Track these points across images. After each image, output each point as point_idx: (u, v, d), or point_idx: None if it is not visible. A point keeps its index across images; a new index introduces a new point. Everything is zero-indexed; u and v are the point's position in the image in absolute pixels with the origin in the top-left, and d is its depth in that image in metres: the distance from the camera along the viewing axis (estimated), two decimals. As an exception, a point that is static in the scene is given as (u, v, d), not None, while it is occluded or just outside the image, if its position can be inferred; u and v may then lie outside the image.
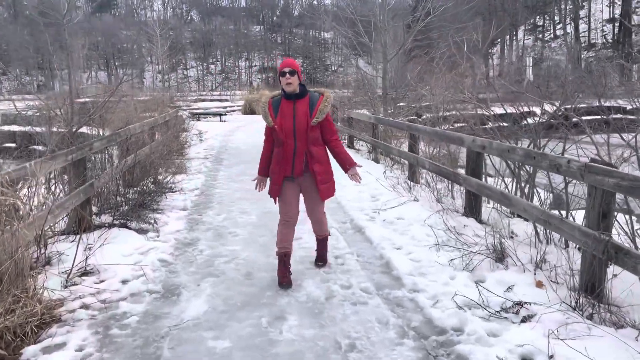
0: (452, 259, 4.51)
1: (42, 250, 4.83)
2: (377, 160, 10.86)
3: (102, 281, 4.41)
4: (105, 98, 7.57)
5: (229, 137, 16.48)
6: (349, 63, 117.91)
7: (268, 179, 4.69)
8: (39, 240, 4.79)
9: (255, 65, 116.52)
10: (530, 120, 8.11)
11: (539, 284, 3.92)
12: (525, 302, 3.54)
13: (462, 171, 6.98)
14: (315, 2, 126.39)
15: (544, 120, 6.49)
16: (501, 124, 12.93)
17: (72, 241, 5.20)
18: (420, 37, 12.90)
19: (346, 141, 13.37)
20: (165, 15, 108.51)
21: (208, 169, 10.22)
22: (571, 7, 75.33)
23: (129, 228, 5.97)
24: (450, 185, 7.31)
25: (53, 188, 6.42)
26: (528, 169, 6.33)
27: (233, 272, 4.58)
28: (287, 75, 4.21)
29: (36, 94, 12.87)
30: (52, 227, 5.56)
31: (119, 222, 6.13)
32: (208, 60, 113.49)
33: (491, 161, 6.76)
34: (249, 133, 17.76)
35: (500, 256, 4.47)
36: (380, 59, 12.60)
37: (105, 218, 6.28)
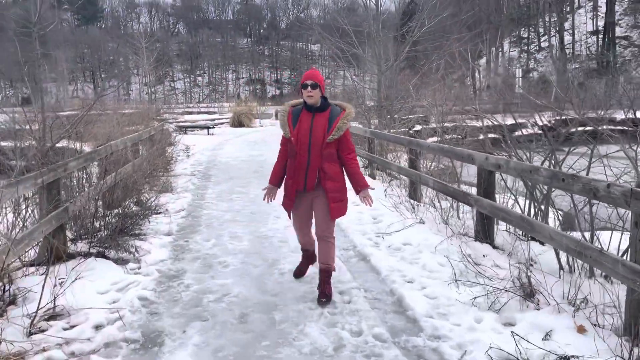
0: (474, 297, 3.95)
1: (7, 287, 4.24)
2: (373, 176, 10.34)
3: (72, 326, 3.80)
4: (83, 112, 6.96)
5: (217, 151, 15.88)
6: (336, 75, 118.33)
7: (279, 189, 4.54)
8: (2, 277, 4.19)
9: (243, 77, 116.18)
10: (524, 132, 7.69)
11: (581, 329, 3.38)
12: (573, 357, 3.00)
13: (472, 190, 6.46)
14: (302, 15, 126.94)
15: (563, 131, 5.98)
16: (494, 135, 12.50)
17: (43, 273, 4.60)
18: (411, 49, 12.47)
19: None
20: (152, 28, 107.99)
21: (195, 187, 9.62)
22: (555, 19, 76.01)
23: (107, 258, 5.37)
24: (456, 204, 6.80)
25: (24, 212, 5.81)
26: (541, 187, 5.84)
27: (224, 313, 3.98)
28: (309, 88, 4.06)
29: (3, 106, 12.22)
30: (22, 257, 4.96)
31: (96, 251, 5.52)
32: (195, 73, 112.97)
33: (503, 178, 6.25)
34: (238, 147, 17.18)
35: (529, 292, 3.94)
36: (373, 70, 12.10)
37: (82, 246, 5.67)
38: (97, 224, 6.21)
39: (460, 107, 10.88)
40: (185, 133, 22.06)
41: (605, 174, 4.91)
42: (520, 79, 32.13)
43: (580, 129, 5.98)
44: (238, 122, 27.20)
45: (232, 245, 5.78)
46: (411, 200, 7.69)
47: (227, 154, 14.87)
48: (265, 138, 20.06)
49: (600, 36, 70.84)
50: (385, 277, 4.63)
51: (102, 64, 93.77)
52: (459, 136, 12.98)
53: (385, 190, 8.19)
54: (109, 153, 7.65)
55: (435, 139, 11.48)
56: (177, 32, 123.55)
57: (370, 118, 11.96)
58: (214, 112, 34.35)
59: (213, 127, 23.80)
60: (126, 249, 5.56)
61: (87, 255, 5.40)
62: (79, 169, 6.72)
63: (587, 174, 5.07)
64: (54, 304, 4.03)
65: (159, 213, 7.44)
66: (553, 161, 5.87)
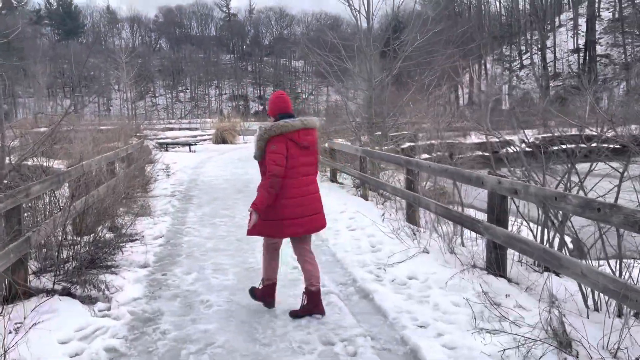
0: (503, 349, 3.37)
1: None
2: (365, 197, 9.78)
3: (22, 390, 3.15)
4: (50, 130, 6.31)
5: (199, 169, 15.22)
6: (319, 91, 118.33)
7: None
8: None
9: (226, 93, 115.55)
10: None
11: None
12: None
13: (478, 215, 5.93)
14: (285, 32, 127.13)
15: (584, 146, 5.49)
16: (480, 153, 12.03)
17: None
18: (401, 65, 12.02)
19: (328, 174, 12.27)
20: (133, 43, 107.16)
21: (175, 210, 8.97)
22: (537, 37, 76.94)
23: (73, 296, 4.70)
24: (459, 229, 6.25)
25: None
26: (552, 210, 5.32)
27: (207, 370, 3.35)
28: None
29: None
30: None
31: (61, 287, 4.86)
32: (177, 88, 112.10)
33: (516, 205, 5.71)
34: (221, 165, 16.52)
35: (565, 342, 3.37)
36: (360, 85, 11.58)
37: (45, 280, 4.99)
38: (65, 254, 5.56)
39: (458, 123, 10.45)
40: (167, 150, 21.36)
41: (638, 200, 4.41)
42: (507, 95, 32.05)
43: (604, 145, 5.48)
44: (221, 138, 26.54)
45: (216, 280, 5.15)
46: (410, 225, 7.13)
47: (210, 173, 14.22)
48: (250, 156, 19.41)
49: (582, 54, 71.87)
50: (393, 320, 4.03)
51: (82, 79, 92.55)
52: (446, 154, 12.58)
53: (382, 214, 7.61)
54: (81, 174, 7.00)
55: (425, 155, 11.01)
56: (159, 47, 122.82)
57: (360, 135, 11.45)
58: (196, 129, 33.66)
59: (195, 144, 23.10)
60: (96, 285, 4.90)
61: (50, 292, 4.74)
62: (47, 193, 6.06)
63: (617, 200, 4.57)
64: (5, 358, 3.37)
65: (135, 240, 6.78)
66: (572, 184, 5.38)
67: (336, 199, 9.43)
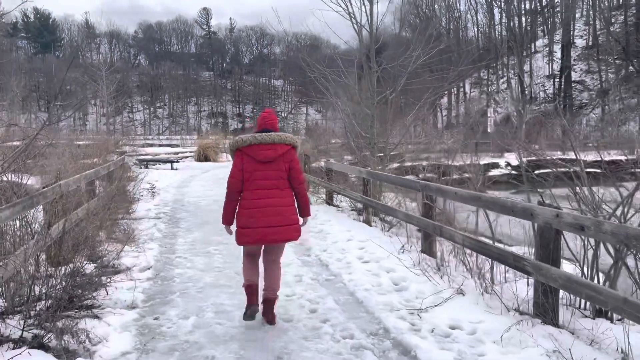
0: None
1: None
2: (368, 222, 9.03)
3: None
4: (23, 145, 5.45)
5: (183, 188, 14.31)
6: (298, 110, 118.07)
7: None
8: None
9: (204, 110, 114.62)
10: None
11: None
12: None
13: (520, 251, 5.22)
14: (265, 51, 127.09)
15: None
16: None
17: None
18: (401, 82, 11.43)
19: (324, 196, 11.51)
20: (112, 58, 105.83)
21: (162, 235, 8.08)
22: (514, 62, 77.99)
23: (47, 348, 3.84)
24: (490, 263, 5.52)
25: None
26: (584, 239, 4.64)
27: None
28: None
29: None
30: None
31: (31, 335, 3.98)
32: (155, 104, 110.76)
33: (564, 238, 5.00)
34: (206, 184, 15.62)
35: None
36: (346, 103, 10.89)
37: (13, 327, 4.10)
38: (37, 290, 4.67)
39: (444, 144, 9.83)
40: (147, 167, 20.36)
41: None
42: (492, 118, 31.82)
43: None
44: (204, 156, 25.61)
45: (221, 327, 4.30)
46: (429, 257, 6.39)
47: (195, 193, 13.32)
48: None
49: (557, 80, 73.04)
50: (452, 390, 3.25)
51: (59, 93, 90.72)
52: (435, 175, 11.95)
53: (402, 247, 6.82)
54: (58, 195, 6.13)
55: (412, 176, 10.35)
56: (137, 63, 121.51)
57: (361, 155, 10.75)
58: (177, 145, 32.64)
59: (177, 162, 22.14)
60: (74, 334, 4.03)
61: (18, 342, 3.87)
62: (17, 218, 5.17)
63: None
64: None
65: (119, 272, 5.90)
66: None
67: (338, 225, 8.67)
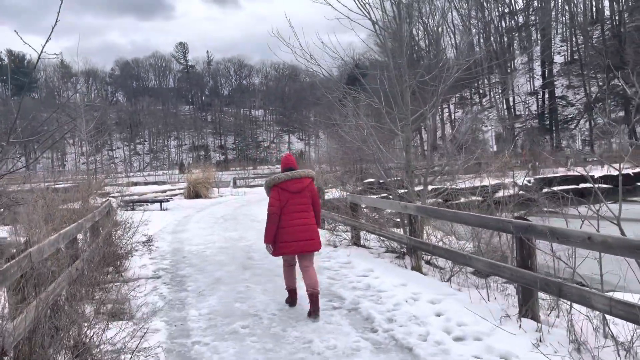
0: None
1: None
2: (419, 269, 7.31)
3: None
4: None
5: (180, 234, 12.43)
6: (281, 139, 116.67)
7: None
8: None
9: (186, 144, 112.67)
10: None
11: None
12: None
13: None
14: (244, 82, 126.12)
15: None
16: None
17: None
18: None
19: (349, 236, 9.76)
20: (89, 97, 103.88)
21: (167, 304, 6.24)
22: (495, 80, 77.85)
23: None
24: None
25: None
26: None
27: None
28: None
29: None
30: None
31: None
32: (135, 141, 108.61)
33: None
34: (205, 226, 13.74)
35: None
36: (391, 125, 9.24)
37: None
38: None
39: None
40: (133, 209, 18.43)
41: None
42: (493, 137, 30.54)
43: None
44: (194, 192, 23.68)
45: None
46: (559, 331, 4.67)
47: (196, 239, 11.45)
48: (235, 213, 16.66)
49: (540, 96, 72.99)
50: None
51: (35, 133, 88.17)
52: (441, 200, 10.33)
53: (506, 314, 5.03)
54: (28, 268, 4.36)
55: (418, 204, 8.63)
56: (115, 100, 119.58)
57: (394, 187, 9.07)
58: (164, 182, 30.67)
59: (167, 201, 20.21)
60: None
61: None
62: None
63: None
64: None
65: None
66: None
67: (385, 275, 6.93)
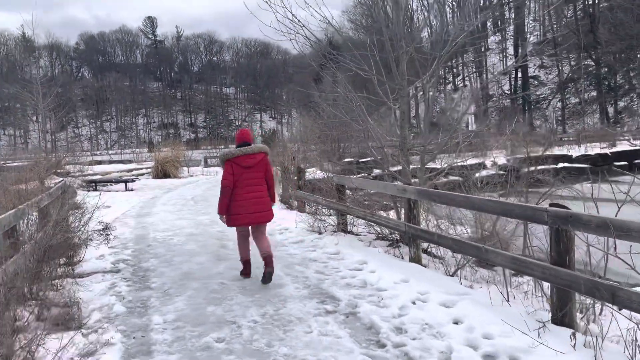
0: None
1: None
2: (418, 260, 6.40)
3: None
4: None
5: (145, 218, 11.28)
6: (253, 118, 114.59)
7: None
8: None
9: (154, 122, 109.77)
10: None
11: None
12: None
13: None
14: (215, 59, 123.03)
15: None
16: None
17: None
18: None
19: (333, 221, 8.79)
20: (52, 72, 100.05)
21: (126, 308, 5.17)
22: (471, 59, 77.55)
23: None
24: None
25: None
26: None
27: None
28: None
29: None
30: None
31: None
32: (102, 118, 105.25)
33: None
34: (173, 209, 12.60)
35: None
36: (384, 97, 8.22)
37: None
38: None
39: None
40: (96, 190, 17.12)
41: None
42: (473, 115, 29.73)
43: None
44: (162, 172, 22.34)
45: None
46: (572, 330, 3.81)
47: (162, 224, 10.34)
48: (207, 194, 15.49)
49: (512, 76, 72.97)
50: None
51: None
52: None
53: (543, 324, 4.12)
54: None
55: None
56: (80, 76, 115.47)
57: (387, 167, 8.10)
58: (130, 161, 29.13)
59: (133, 181, 18.88)
60: None
61: None
62: None
63: None
64: None
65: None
66: None
67: (382, 269, 6.00)
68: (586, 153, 30.41)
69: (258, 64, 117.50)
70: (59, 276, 6.25)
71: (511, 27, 77.97)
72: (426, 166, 8.31)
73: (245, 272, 6.11)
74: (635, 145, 30.89)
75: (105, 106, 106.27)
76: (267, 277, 5.72)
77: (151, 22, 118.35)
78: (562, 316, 4.21)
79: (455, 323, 4.33)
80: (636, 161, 28.12)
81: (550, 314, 4.35)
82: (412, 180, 7.61)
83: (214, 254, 7.39)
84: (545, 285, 4.93)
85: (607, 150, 30.79)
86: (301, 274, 6.09)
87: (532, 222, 4.54)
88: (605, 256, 4.79)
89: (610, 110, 56.82)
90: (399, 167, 8.37)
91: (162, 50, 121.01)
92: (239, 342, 4.15)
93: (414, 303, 4.85)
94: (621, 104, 56.75)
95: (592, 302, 4.60)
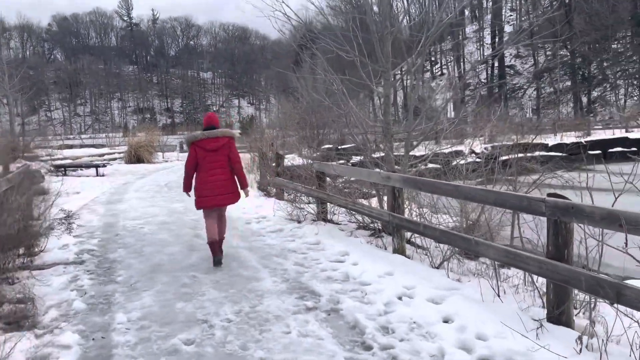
0: None
1: None
2: (402, 251, 6.07)
3: None
4: None
5: (116, 205, 10.76)
6: (230, 103, 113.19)
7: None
8: None
9: (130, 106, 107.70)
10: None
11: None
12: None
13: None
14: (192, 43, 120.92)
15: None
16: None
17: None
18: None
19: (314, 209, 8.44)
20: (23, 54, 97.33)
21: (87, 305, 4.73)
22: (448, 48, 77.57)
23: None
24: None
25: None
26: None
27: None
28: None
29: None
30: None
31: None
32: (75, 101, 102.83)
33: None
34: (146, 195, 12.08)
35: None
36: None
37: None
38: None
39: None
40: (65, 174, 16.46)
41: None
42: (452, 104, 29.58)
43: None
44: (136, 157, 21.65)
45: None
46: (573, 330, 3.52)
47: (133, 211, 9.85)
48: (181, 180, 14.95)
49: (489, 65, 73.22)
50: None
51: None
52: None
53: (540, 324, 3.80)
54: None
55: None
56: (53, 58, 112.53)
57: (371, 153, 7.73)
58: (103, 145, 28.28)
59: (104, 166, 18.20)
60: None
61: None
62: None
63: None
64: None
65: None
66: None
67: (365, 261, 5.67)
68: (562, 142, 30.58)
69: (236, 49, 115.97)
70: (15, 268, 5.79)
71: (488, 17, 78.18)
72: (409, 153, 7.97)
73: (215, 254, 6.06)
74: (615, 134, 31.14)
75: (79, 89, 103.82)
76: (215, 262, 5.94)
77: (126, 4, 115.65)
78: (559, 314, 3.92)
79: (446, 321, 4.01)
80: (610, 150, 28.34)
81: (545, 311, 4.07)
82: (395, 167, 7.27)
83: (187, 244, 6.97)
84: (538, 279, 4.66)
85: (582, 139, 30.98)
86: (280, 266, 5.72)
87: (528, 213, 4.23)
88: (600, 248, 4.54)
89: (584, 99, 57.37)
90: (382, 154, 8.04)
91: (137, 33, 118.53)
92: (211, 344, 3.77)
93: (400, 299, 4.52)
94: (594, 93, 57.35)
95: (586, 298, 4.35)
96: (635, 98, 52.45)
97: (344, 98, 7.42)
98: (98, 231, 7.99)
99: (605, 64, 56.21)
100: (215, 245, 6.04)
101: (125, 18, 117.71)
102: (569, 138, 32.26)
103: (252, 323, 4.13)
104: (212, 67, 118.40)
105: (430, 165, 9.39)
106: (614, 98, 54.85)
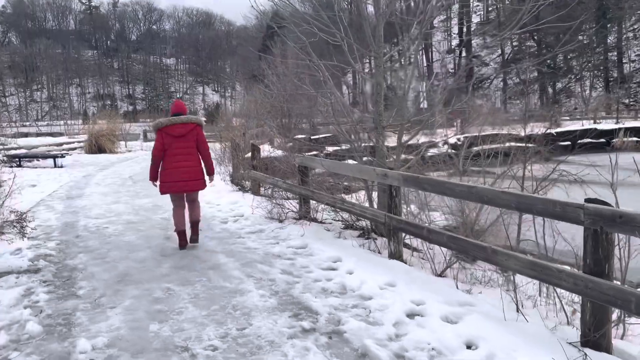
0: None
1: None
2: (399, 255, 5.52)
3: None
4: None
5: (76, 200, 9.88)
6: (194, 90, 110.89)
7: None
8: None
9: (89, 92, 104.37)
10: None
11: None
12: None
13: None
14: (154, 27, 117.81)
15: None
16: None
17: None
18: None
19: (295, 206, 7.81)
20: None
21: (42, 327, 4.00)
22: (415, 37, 77.45)
23: None
24: None
25: None
26: None
27: None
28: None
29: None
30: None
31: None
32: (32, 87, 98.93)
33: None
34: (109, 190, 11.19)
35: None
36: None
37: None
38: None
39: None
40: (20, 165, 15.34)
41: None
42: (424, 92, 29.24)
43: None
44: (97, 146, 20.52)
45: None
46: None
47: (96, 208, 9.01)
48: (146, 172, 14.08)
49: (457, 55, 73.68)
50: None
51: None
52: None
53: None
54: None
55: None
56: (8, 41, 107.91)
57: (358, 146, 7.12)
58: (61, 134, 26.85)
59: (63, 156, 17.08)
60: None
61: None
62: None
63: None
64: None
65: None
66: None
67: (361, 268, 5.08)
68: (532, 132, 30.68)
69: (200, 34, 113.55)
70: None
71: (455, 6, 78.45)
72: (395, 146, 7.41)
73: (181, 243, 6.11)
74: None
75: (35, 74, 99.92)
76: (191, 241, 6.18)
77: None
78: (598, 337, 3.42)
79: (469, 347, 3.47)
80: (579, 141, 28.54)
81: (577, 332, 3.57)
82: (386, 161, 6.69)
83: (158, 248, 6.25)
84: (556, 289, 4.18)
85: (551, 130, 31.14)
86: (265, 276, 5.07)
87: (562, 221, 3.69)
88: (627, 257, 4.10)
89: (550, 90, 58.15)
90: (367, 144, 7.46)
91: (97, 17, 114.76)
92: (195, 381, 3.12)
93: (410, 317, 3.96)
94: (559, 85, 58.16)
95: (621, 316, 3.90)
96: (599, 89, 53.35)
97: (330, 85, 6.77)
98: (56, 232, 7.18)
99: (570, 56, 56.97)
100: (183, 235, 6.11)
101: (85, 1, 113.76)
102: (539, 129, 32.42)
103: (242, 351, 3.49)
104: (175, 52, 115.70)
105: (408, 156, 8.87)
106: (579, 89, 55.71)
